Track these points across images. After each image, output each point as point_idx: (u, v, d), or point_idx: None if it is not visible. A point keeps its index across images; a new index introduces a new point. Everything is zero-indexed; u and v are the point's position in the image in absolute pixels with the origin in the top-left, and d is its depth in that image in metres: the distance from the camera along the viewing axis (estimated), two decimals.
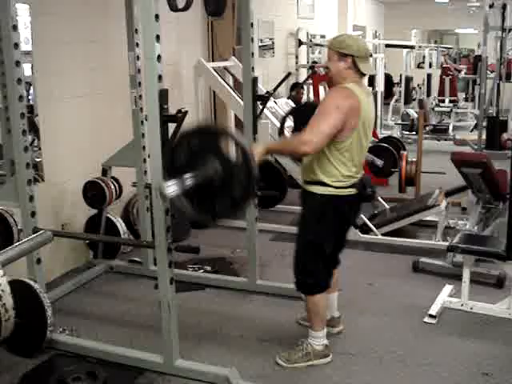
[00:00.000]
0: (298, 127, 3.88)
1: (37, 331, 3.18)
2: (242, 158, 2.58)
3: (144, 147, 4.26)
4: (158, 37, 2.68)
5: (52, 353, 3.29)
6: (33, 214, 3.39)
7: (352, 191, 3.03)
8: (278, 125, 4.98)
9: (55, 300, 3.87)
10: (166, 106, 2.75)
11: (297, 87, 8.24)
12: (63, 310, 3.79)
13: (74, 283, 4.25)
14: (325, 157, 2.96)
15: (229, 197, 2.63)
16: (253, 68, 3.85)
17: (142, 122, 4.18)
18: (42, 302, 3.13)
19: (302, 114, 4.03)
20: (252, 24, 3.79)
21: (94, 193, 4.47)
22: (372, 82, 11.18)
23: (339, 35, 3.19)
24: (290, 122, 4.84)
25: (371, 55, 6.17)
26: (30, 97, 4.20)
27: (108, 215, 4.58)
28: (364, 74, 3.04)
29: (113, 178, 4.56)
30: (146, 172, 4.30)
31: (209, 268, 4.58)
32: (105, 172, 4.54)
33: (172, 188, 2.55)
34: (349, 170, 3.00)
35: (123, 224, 4.64)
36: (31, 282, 3.21)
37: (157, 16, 2.66)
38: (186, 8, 2.91)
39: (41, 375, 3.17)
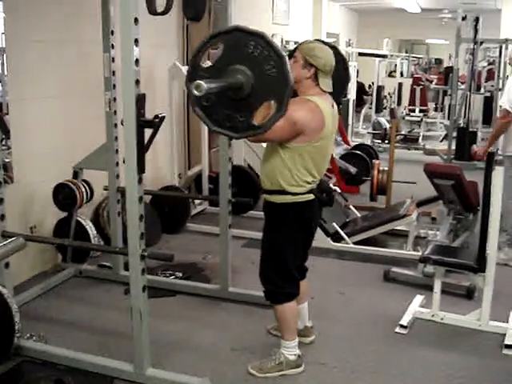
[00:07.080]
0: None
1: (4, 337, 3.12)
2: (277, 64, 2.41)
3: (117, 150, 4.19)
4: (136, 40, 2.63)
5: (19, 359, 3.20)
6: (2, 218, 3.31)
7: (310, 197, 3.00)
8: None
9: (22, 304, 3.77)
10: (142, 111, 2.71)
11: None
12: (31, 315, 3.70)
13: (41, 287, 4.15)
14: (280, 159, 2.92)
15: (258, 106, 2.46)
16: None
17: (116, 124, 4.12)
18: (10, 308, 3.07)
19: None
20: None
21: (64, 195, 4.39)
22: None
23: (313, 41, 3.12)
24: None
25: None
26: None
27: (78, 218, 4.50)
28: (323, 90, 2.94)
29: (84, 180, 4.49)
30: (118, 176, 4.25)
31: (180, 274, 4.53)
32: (76, 175, 4.47)
33: (206, 85, 2.30)
34: (305, 175, 2.94)
35: (93, 227, 4.57)
36: None
37: (136, 19, 2.61)
38: (165, 12, 2.87)
39: (7, 383, 3.08)
